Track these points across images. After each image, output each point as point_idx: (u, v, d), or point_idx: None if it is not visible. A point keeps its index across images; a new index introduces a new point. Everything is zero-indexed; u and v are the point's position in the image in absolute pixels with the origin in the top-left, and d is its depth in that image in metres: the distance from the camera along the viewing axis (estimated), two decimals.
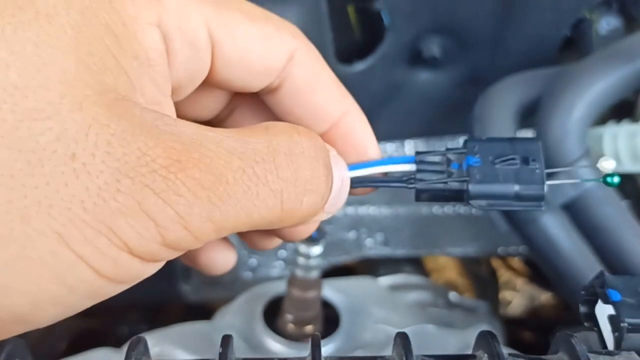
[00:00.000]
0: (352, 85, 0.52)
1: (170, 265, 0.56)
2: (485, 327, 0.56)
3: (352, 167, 0.25)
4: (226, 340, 0.18)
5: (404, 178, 0.25)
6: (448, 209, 0.59)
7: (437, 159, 0.25)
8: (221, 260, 0.27)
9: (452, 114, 0.54)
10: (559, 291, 0.45)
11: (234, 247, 0.27)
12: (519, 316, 1.00)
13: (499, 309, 0.78)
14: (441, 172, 0.24)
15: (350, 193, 0.25)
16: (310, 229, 0.26)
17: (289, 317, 0.41)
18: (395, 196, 0.58)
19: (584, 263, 0.43)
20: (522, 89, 0.46)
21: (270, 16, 0.24)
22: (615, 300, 0.21)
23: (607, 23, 0.49)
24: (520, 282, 1.29)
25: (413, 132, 0.55)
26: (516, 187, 0.23)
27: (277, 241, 0.28)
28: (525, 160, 0.23)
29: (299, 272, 0.40)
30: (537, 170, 0.23)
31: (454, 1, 0.48)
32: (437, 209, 0.59)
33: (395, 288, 0.59)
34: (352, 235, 0.60)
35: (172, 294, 0.56)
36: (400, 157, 0.25)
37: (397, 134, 0.54)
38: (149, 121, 0.18)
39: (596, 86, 0.42)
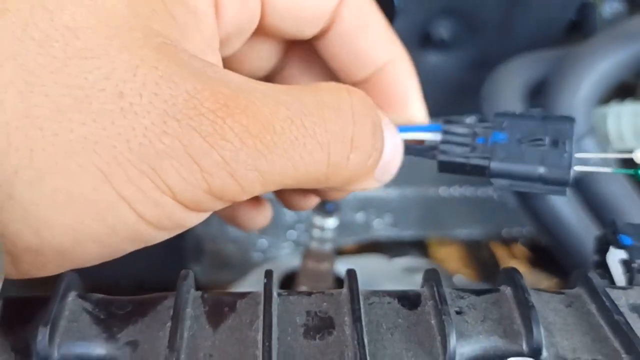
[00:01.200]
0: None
1: (180, 246, 0.58)
2: None
3: None
4: (269, 274, 0.19)
5: (428, 147, 0.24)
6: (454, 190, 0.60)
7: (464, 130, 0.24)
8: (258, 215, 0.27)
9: (462, 95, 0.55)
10: (565, 266, 0.46)
11: (269, 202, 0.27)
12: None
13: None
14: (466, 145, 0.23)
15: None
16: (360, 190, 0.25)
17: (303, 289, 0.42)
18: (404, 178, 0.60)
19: (590, 238, 0.44)
20: (529, 69, 0.47)
21: None
22: (627, 244, 0.23)
23: (610, 6, 0.51)
24: (523, 269, 1.30)
25: None
26: (541, 170, 0.22)
27: (314, 200, 0.27)
28: (555, 142, 0.22)
29: (314, 244, 0.41)
30: (565, 154, 0.22)
31: None
32: (443, 190, 0.60)
33: (407, 270, 0.61)
34: (360, 216, 0.61)
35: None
36: (427, 125, 0.25)
37: None
38: (197, 66, 0.18)
39: (600, 66, 0.43)
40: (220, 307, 0.19)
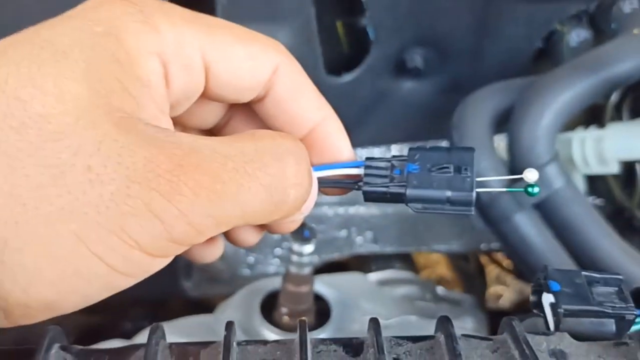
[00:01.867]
0: (340, 94, 0.56)
1: (172, 263, 0.60)
2: (469, 319, 0.60)
3: (313, 168, 0.27)
4: (230, 325, 0.22)
5: (355, 181, 0.27)
6: None
7: (383, 164, 0.27)
8: (211, 250, 0.30)
9: (435, 120, 0.58)
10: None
11: (221, 239, 0.30)
12: (509, 309, 1.04)
13: (485, 303, 0.82)
14: (385, 176, 0.26)
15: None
16: (291, 226, 0.29)
17: (284, 310, 0.45)
18: None
19: (555, 258, 0.47)
20: (496, 98, 0.49)
21: (256, 35, 0.26)
22: (554, 290, 0.25)
23: (577, 35, 0.53)
24: (509, 277, 1.33)
25: (398, 137, 0.59)
26: (448, 193, 0.25)
27: (260, 235, 0.30)
28: (459, 169, 0.25)
29: (293, 269, 0.44)
30: (467, 179, 0.25)
31: (434, 17, 0.52)
32: None
33: (384, 283, 0.63)
34: (343, 233, 0.64)
35: (174, 290, 0.60)
36: (351, 162, 0.28)
37: (384, 139, 0.58)
38: (152, 134, 0.21)
39: (563, 95, 0.46)
40: (185, 357, 0.21)
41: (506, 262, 0.83)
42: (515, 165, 0.47)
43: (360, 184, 0.27)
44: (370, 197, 0.27)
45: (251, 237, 0.30)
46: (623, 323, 0.24)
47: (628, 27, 0.49)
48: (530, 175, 0.26)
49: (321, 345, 0.22)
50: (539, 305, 0.27)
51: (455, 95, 0.55)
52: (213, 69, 0.25)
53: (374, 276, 0.61)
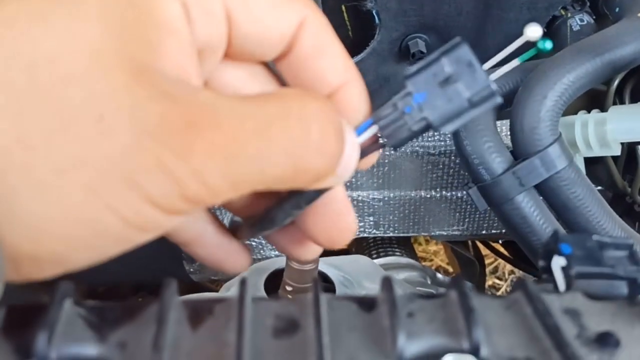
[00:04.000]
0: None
1: (176, 247, 0.60)
2: None
3: None
4: (243, 282, 0.22)
5: (375, 141, 0.25)
6: (435, 192, 0.63)
7: (390, 111, 0.25)
8: (235, 260, 0.29)
9: None
10: (534, 264, 0.49)
11: (249, 250, 0.29)
12: None
13: (483, 291, 0.82)
14: (399, 119, 0.24)
15: None
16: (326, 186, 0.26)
17: (288, 288, 0.45)
18: (384, 182, 0.62)
19: None
20: (501, 80, 0.50)
21: None
22: (566, 253, 0.25)
23: (580, 20, 0.53)
24: (508, 268, 1.33)
25: None
26: (467, 96, 0.23)
27: (311, 249, 0.29)
28: (462, 69, 0.23)
29: (294, 264, 0.44)
30: (475, 73, 0.23)
31: (438, 1, 0.52)
32: (424, 193, 0.63)
33: (386, 268, 0.63)
34: None
35: (177, 274, 0.60)
36: (362, 126, 0.26)
37: None
38: (168, 87, 0.20)
39: (567, 77, 0.46)
40: (199, 311, 0.21)
41: (504, 251, 0.83)
42: (518, 148, 0.47)
43: (382, 140, 0.25)
44: (400, 145, 0.25)
45: (298, 250, 0.29)
46: (635, 286, 0.24)
47: (632, 11, 0.49)
48: (532, 31, 0.25)
49: (335, 301, 0.22)
50: (548, 270, 0.27)
51: None
52: (235, 17, 0.23)
53: (378, 261, 0.61)
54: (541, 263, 0.27)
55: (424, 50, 0.54)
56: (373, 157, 0.27)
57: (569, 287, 0.25)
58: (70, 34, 0.19)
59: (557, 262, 0.26)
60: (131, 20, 0.20)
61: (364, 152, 0.26)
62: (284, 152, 0.21)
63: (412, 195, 0.63)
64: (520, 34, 0.55)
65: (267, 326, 0.21)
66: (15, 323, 0.21)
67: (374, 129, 0.25)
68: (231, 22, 0.24)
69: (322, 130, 0.22)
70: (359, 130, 0.26)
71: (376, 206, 0.64)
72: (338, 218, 0.28)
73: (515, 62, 0.27)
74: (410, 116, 0.24)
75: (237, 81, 0.27)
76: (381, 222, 0.65)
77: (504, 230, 0.66)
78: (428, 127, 0.24)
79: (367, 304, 0.22)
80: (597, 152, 0.50)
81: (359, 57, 0.54)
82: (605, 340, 0.21)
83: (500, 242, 0.78)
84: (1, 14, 0.19)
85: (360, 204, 0.63)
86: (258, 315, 0.21)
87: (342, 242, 0.28)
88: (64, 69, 0.19)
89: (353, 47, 0.54)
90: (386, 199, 0.63)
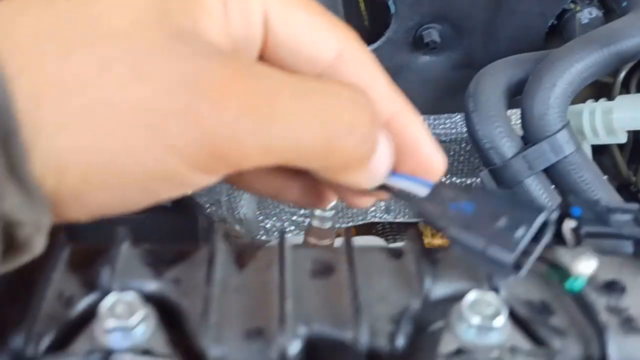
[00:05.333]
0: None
1: (193, 226, 0.62)
2: None
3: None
4: (283, 232, 0.24)
5: (414, 195, 0.25)
6: (445, 179, 0.65)
7: (448, 193, 0.24)
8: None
9: (449, 94, 0.60)
10: None
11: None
12: None
13: None
14: (440, 205, 0.24)
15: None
16: (364, 183, 0.25)
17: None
18: None
19: None
20: (511, 69, 0.52)
21: (328, 13, 0.24)
22: (576, 215, 0.27)
23: (589, 13, 0.56)
24: None
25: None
26: (485, 246, 0.22)
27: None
28: (511, 226, 0.23)
29: (315, 223, 0.46)
30: (516, 238, 0.22)
31: None
32: None
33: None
34: None
35: None
36: (422, 179, 0.25)
37: None
38: (208, 47, 0.21)
39: (575, 67, 0.48)
40: (244, 255, 0.24)
41: None
42: (528, 133, 0.49)
43: (417, 202, 0.25)
44: (417, 216, 0.25)
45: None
46: None
47: (639, 5, 0.51)
48: (585, 267, 0.23)
49: (365, 250, 0.24)
50: (558, 236, 0.29)
51: (469, 71, 0.58)
52: (273, 26, 0.24)
53: (393, 245, 0.63)
54: None
55: (438, 40, 0.56)
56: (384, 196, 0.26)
57: (578, 245, 0.27)
58: (119, 2, 0.21)
59: (568, 224, 0.28)
60: None
61: (397, 195, 0.25)
62: (317, 124, 0.21)
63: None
64: (531, 26, 0.57)
65: (305, 269, 0.23)
66: (79, 261, 0.23)
67: (424, 191, 0.25)
68: (268, 28, 0.24)
69: (355, 110, 0.22)
70: (419, 181, 0.25)
71: None
72: (427, 158, 0.26)
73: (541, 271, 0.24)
74: (446, 211, 0.24)
75: None
76: (392, 207, 0.67)
77: None
78: (444, 231, 0.24)
79: (395, 252, 0.25)
80: (603, 139, 0.52)
81: (374, 45, 0.56)
82: (613, 287, 0.23)
83: None
84: None
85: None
86: (297, 260, 0.24)
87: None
88: (108, 26, 0.20)
89: (369, 36, 0.56)
90: None
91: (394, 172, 0.25)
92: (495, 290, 0.23)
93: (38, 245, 0.20)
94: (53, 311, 0.21)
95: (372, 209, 0.66)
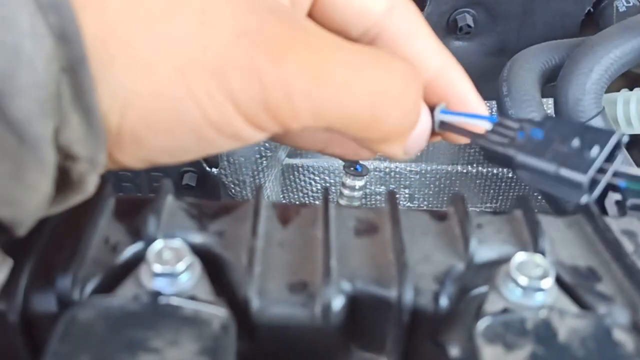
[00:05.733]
0: None
1: (217, 199, 0.62)
2: None
3: (443, 111, 0.26)
4: (326, 190, 0.24)
5: (478, 134, 0.25)
6: (472, 168, 0.65)
7: (512, 124, 0.24)
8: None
9: (481, 81, 0.59)
10: None
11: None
12: None
13: None
14: (507, 136, 0.24)
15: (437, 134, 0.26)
16: (398, 156, 0.26)
17: None
18: (422, 154, 0.64)
19: None
20: (546, 55, 0.51)
21: None
22: (622, 187, 0.27)
23: (626, 1, 0.55)
24: None
25: None
26: (558, 169, 0.22)
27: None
28: (583, 147, 0.22)
29: (343, 202, 0.46)
30: (588, 159, 0.22)
31: None
32: (461, 167, 0.65)
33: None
34: (381, 189, 0.66)
35: None
36: (485, 115, 0.26)
37: None
38: (273, 5, 0.21)
39: (612, 53, 0.48)
40: (287, 212, 0.24)
41: None
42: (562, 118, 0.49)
43: (481, 137, 0.25)
44: (485, 154, 0.25)
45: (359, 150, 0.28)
46: None
47: None
48: None
49: (408, 212, 0.24)
50: (601, 209, 0.28)
51: (502, 58, 0.57)
52: None
53: None
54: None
55: (472, 25, 0.55)
56: (461, 139, 0.27)
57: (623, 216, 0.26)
58: None
59: (612, 197, 0.27)
60: None
61: (461, 132, 0.26)
62: (367, 92, 0.21)
63: (449, 169, 0.65)
64: (567, 12, 0.56)
65: (349, 227, 0.23)
66: (125, 211, 0.23)
67: (489, 125, 0.25)
68: None
69: (404, 85, 0.23)
70: (483, 117, 0.26)
71: (412, 178, 0.66)
72: (473, 111, 0.27)
73: (622, 182, 0.25)
74: (513, 141, 0.24)
75: None
76: (416, 195, 0.67)
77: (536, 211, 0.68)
78: (509, 159, 0.24)
79: (439, 215, 0.24)
80: (637, 129, 0.52)
81: None
82: None
83: None
84: None
85: (397, 176, 0.65)
86: (341, 218, 0.24)
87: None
88: None
89: None
90: (423, 171, 0.65)
91: (454, 110, 0.26)
92: (542, 254, 0.22)
93: (90, 184, 0.20)
94: (99, 256, 0.21)
95: (397, 196, 0.66)
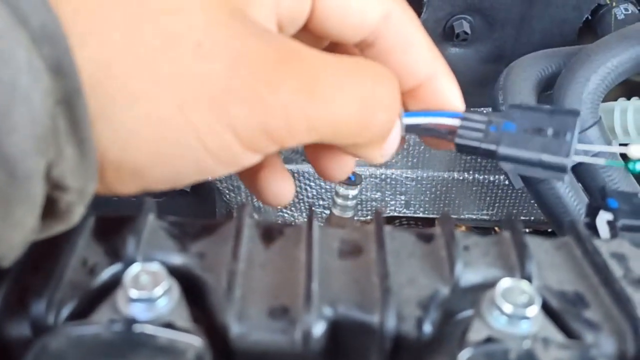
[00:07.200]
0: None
1: (211, 214, 0.62)
2: None
3: (407, 114, 0.27)
4: (311, 209, 0.24)
5: (450, 132, 0.26)
6: (468, 175, 0.64)
7: (480, 118, 0.26)
8: (282, 190, 0.28)
9: (477, 88, 0.59)
10: None
11: (292, 180, 0.29)
12: None
13: None
14: (480, 131, 0.26)
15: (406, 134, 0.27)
16: (375, 158, 0.27)
17: None
18: (418, 161, 0.64)
19: None
20: (543, 63, 0.51)
21: None
22: (613, 207, 0.27)
23: (624, 9, 0.54)
24: None
25: None
26: (542, 156, 0.24)
27: (350, 167, 0.29)
28: (557, 132, 0.24)
29: (336, 211, 0.45)
30: (565, 144, 0.24)
31: None
32: (457, 174, 0.64)
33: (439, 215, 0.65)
34: (377, 195, 0.65)
35: None
36: (448, 112, 0.27)
37: None
38: (261, 29, 0.22)
39: (610, 62, 0.47)
40: (271, 231, 0.23)
41: None
42: None
43: (454, 135, 0.26)
44: (462, 150, 0.26)
45: (341, 167, 0.29)
46: None
47: None
48: (636, 150, 0.25)
49: (395, 232, 0.24)
50: (592, 226, 0.28)
51: (498, 65, 0.57)
52: None
53: None
54: (585, 220, 0.28)
55: (468, 32, 0.55)
56: (439, 142, 0.28)
57: (614, 238, 0.26)
58: None
59: (603, 217, 0.27)
60: None
61: (431, 133, 0.27)
62: (356, 101, 0.22)
63: (445, 176, 0.64)
64: (565, 19, 0.56)
65: (333, 248, 0.23)
66: (104, 230, 0.23)
67: (456, 122, 0.26)
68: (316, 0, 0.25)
69: (389, 88, 0.24)
70: (447, 114, 0.27)
71: (408, 185, 0.65)
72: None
73: (601, 161, 0.28)
74: (488, 134, 0.25)
75: None
76: (412, 202, 0.66)
77: (532, 218, 0.67)
78: (492, 153, 0.25)
79: (425, 236, 0.24)
80: (634, 139, 0.51)
81: None
82: None
83: (527, 231, 0.79)
84: None
85: (393, 182, 0.65)
86: (325, 239, 0.23)
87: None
88: (172, 3, 0.21)
89: None
90: (419, 178, 0.65)
91: (420, 111, 0.27)
92: (528, 279, 0.22)
93: (77, 215, 0.20)
94: (76, 279, 0.21)
95: (392, 202, 0.65)
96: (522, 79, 0.50)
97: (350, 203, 0.46)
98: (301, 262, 0.22)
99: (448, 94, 0.27)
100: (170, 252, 0.22)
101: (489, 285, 0.21)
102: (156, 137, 0.20)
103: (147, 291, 0.19)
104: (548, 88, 0.51)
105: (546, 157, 0.25)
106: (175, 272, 0.21)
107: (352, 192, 0.45)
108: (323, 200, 0.64)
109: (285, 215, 0.66)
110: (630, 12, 0.54)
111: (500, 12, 0.55)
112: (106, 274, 0.21)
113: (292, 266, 0.22)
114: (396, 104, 0.24)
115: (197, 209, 0.62)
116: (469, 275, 0.22)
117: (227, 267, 0.21)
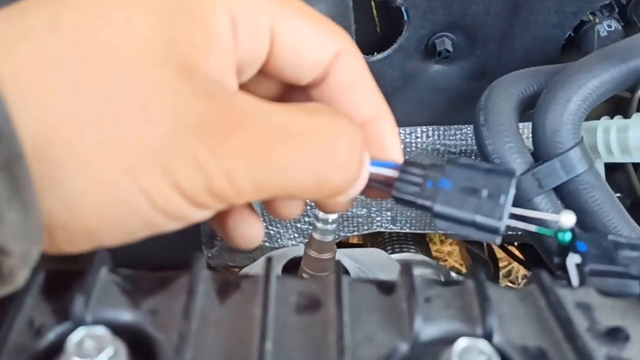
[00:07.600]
0: (371, 73, 0.57)
1: (196, 233, 0.61)
2: None
3: None
4: (269, 260, 0.23)
5: (387, 183, 0.27)
6: None
7: (417, 172, 0.26)
8: (250, 233, 0.28)
9: (460, 105, 0.58)
10: (549, 267, 0.49)
11: (262, 223, 0.29)
12: None
13: None
14: (417, 185, 0.26)
15: None
16: (336, 208, 0.28)
17: (305, 276, 0.46)
18: None
19: None
20: (524, 82, 0.50)
21: (324, 19, 0.26)
22: (581, 250, 0.26)
23: (607, 26, 0.54)
24: (521, 272, 1.33)
25: (424, 120, 0.59)
26: (475, 217, 0.25)
27: (300, 209, 0.29)
28: (492, 194, 0.25)
29: (317, 235, 0.45)
30: (499, 206, 0.25)
31: (466, 1, 0.52)
32: None
33: (399, 262, 0.64)
34: (362, 211, 0.65)
35: None
36: (386, 162, 0.27)
37: (410, 121, 0.59)
38: (210, 87, 0.21)
39: (591, 83, 0.46)
40: (226, 285, 0.23)
41: (519, 254, 0.83)
42: (539, 150, 0.48)
43: (391, 188, 0.26)
44: (399, 202, 0.27)
45: (291, 210, 0.29)
46: None
47: None
48: (566, 220, 0.26)
49: (355, 283, 0.23)
50: (563, 267, 0.27)
51: (481, 82, 0.56)
52: (279, 39, 0.25)
53: (396, 256, 0.61)
54: (556, 260, 0.28)
55: (450, 49, 0.54)
56: (378, 193, 0.28)
57: (582, 283, 0.25)
58: (128, 29, 0.21)
59: (572, 259, 0.26)
60: (182, 24, 0.22)
61: (373, 184, 0.27)
62: (309, 165, 0.22)
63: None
64: (547, 37, 0.55)
65: (290, 302, 0.22)
66: (54, 287, 0.22)
67: (394, 173, 0.26)
68: (274, 42, 0.25)
69: (349, 149, 0.23)
70: (383, 165, 0.27)
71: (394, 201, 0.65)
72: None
73: (532, 228, 0.28)
74: (424, 190, 0.26)
75: (266, 95, 0.28)
76: (398, 218, 0.66)
77: (519, 233, 0.67)
78: (428, 209, 0.26)
79: (386, 287, 0.23)
80: (618, 158, 0.50)
81: (386, 53, 0.55)
82: (615, 335, 0.22)
83: (515, 244, 0.79)
84: (67, 5, 0.21)
85: (379, 199, 0.64)
86: (282, 292, 0.23)
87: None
88: (119, 58, 0.20)
89: (380, 43, 0.55)
90: None
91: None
92: (489, 334, 0.21)
93: (20, 278, 0.19)
94: (22, 341, 0.20)
95: (378, 219, 0.65)
96: (502, 99, 0.49)
97: (330, 227, 0.45)
98: (257, 319, 0.21)
99: (389, 139, 0.28)
100: (121, 309, 0.22)
101: (451, 339, 0.21)
102: (105, 200, 0.20)
103: (91, 358, 0.19)
104: (530, 107, 0.50)
105: (480, 219, 0.25)
106: (126, 331, 0.21)
107: (332, 216, 0.45)
108: (309, 217, 0.63)
109: (271, 231, 0.65)
110: (613, 28, 0.53)
111: (481, 29, 0.54)
112: (52, 334, 0.21)
113: (247, 325, 0.21)
114: (356, 161, 0.24)
115: (181, 232, 0.61)
116: (429, 329, 0.22)
117: (178, 327, 0.21)
